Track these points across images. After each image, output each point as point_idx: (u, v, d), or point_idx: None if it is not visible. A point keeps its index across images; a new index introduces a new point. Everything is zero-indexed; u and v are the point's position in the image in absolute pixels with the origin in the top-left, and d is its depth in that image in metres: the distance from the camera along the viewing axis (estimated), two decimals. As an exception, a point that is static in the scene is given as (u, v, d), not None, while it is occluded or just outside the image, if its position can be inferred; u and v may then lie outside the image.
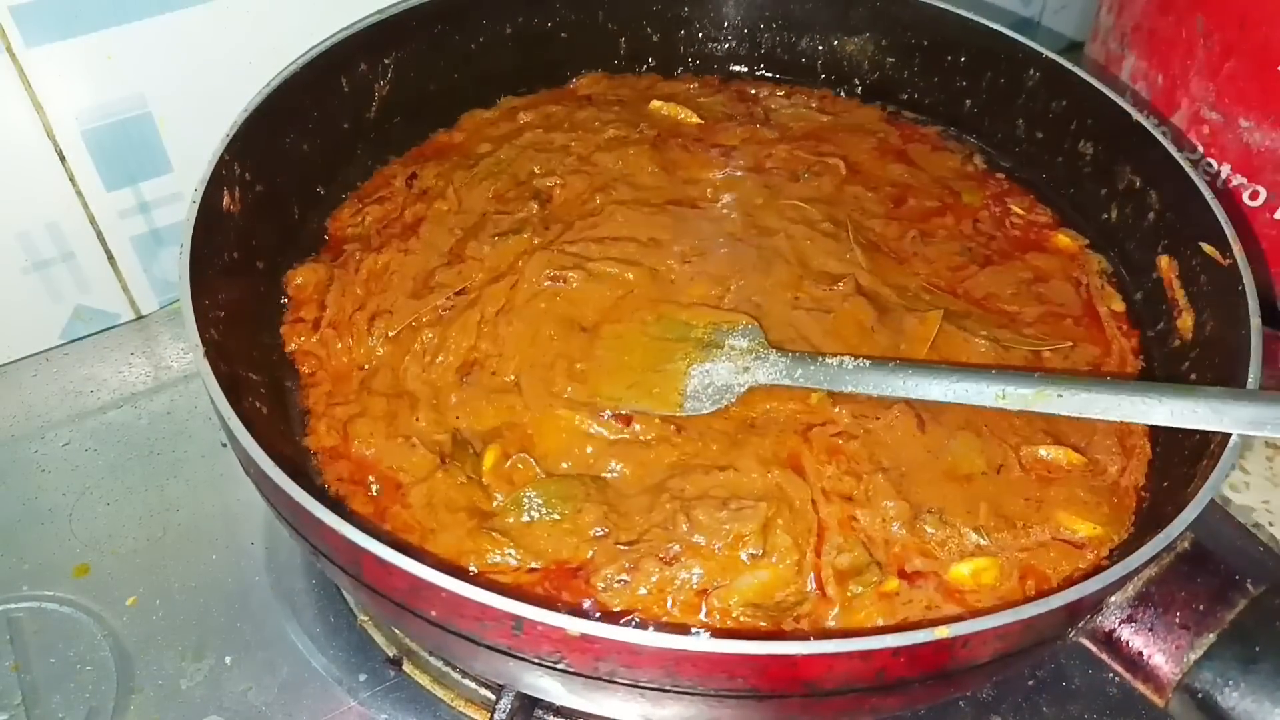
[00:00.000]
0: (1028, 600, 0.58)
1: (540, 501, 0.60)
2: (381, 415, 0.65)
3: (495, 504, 0.61)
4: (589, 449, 0.63)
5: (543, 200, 0.78)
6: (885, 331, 0.70)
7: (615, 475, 0.62)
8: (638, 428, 0.64)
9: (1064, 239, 0.81)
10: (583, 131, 0.85)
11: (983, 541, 0.60)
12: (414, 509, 0.61)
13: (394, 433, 0.64)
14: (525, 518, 0.60)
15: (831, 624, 0.57)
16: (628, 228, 0.76)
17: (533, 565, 0.58)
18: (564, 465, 0.63)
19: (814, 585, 0.58)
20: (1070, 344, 0.72)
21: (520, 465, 0.62)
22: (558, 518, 0.60)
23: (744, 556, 0.58)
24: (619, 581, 0.57)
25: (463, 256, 0.74)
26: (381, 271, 0.73)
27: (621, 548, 0.59)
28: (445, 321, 0.69)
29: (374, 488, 0.62)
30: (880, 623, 0.57)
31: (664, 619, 0.57)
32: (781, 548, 0.59)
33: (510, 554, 0.58)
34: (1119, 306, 0.76)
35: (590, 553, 0.58)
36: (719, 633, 0.56)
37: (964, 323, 0.71)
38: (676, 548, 0.58)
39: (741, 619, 0.57)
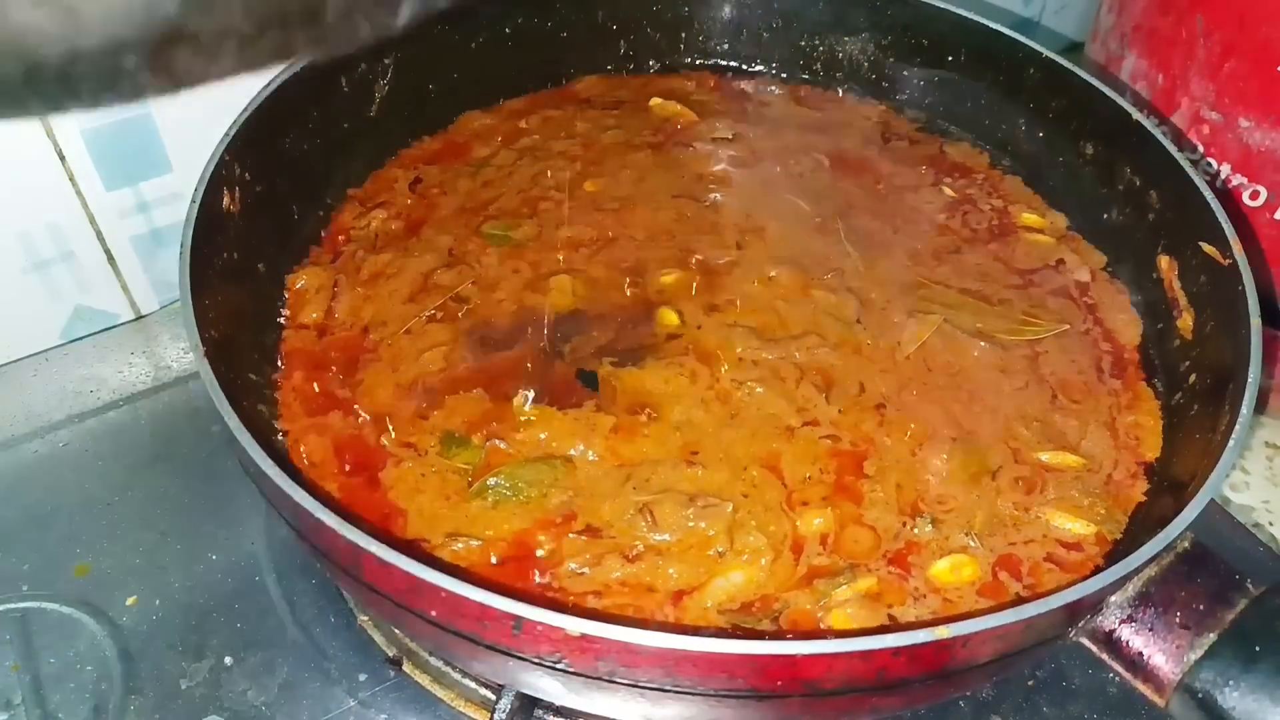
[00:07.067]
0: (1018, 597, 0.58)
1: (507, 485, 0.60)
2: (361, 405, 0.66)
3: (468, 488, 0.61)
4: (561, 437, 0.63)
5: (541, 205, 0.79)
6: (871, 326, 0.71)
7: (584, 460, 0.62)
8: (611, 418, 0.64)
9: (1031, 217, 0.82)
10: (582, 136, 0.86)
11: (973, 544, 0.60)
12: (383, 491, 0.61)
13: (370, 425, 0.65)
14: (491, 500, 0.60)
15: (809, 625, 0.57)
16: (619, 226, 0.77)
17: (493, 558, 0.58)
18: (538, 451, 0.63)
19: (788, 587, 0.58)
20: (1066, 326, 0.72)
21: (499, 448, 0.62)
22: (524, 500, 0.60)
23: (712, 554, 0.58)
24: (581, 573, 0.57)
25: (463, 259, 0.74)
26: (380, 274, 0.73)
27: (584, 539, 0.59)
28: (430, 332, 0.69)
29: (345, 467, 0.63)
30: (856, 624, 0.56)
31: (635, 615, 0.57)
32: (754, 548, 0.58)
33: (473, 541, 0.58)
34: (1085, 277, 0.77)
35: (550, 538, 0.59)
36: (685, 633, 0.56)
37: (959, 318, 0.71)
38: (640, 546, 0.58)
39: (717, 621, 0.56)
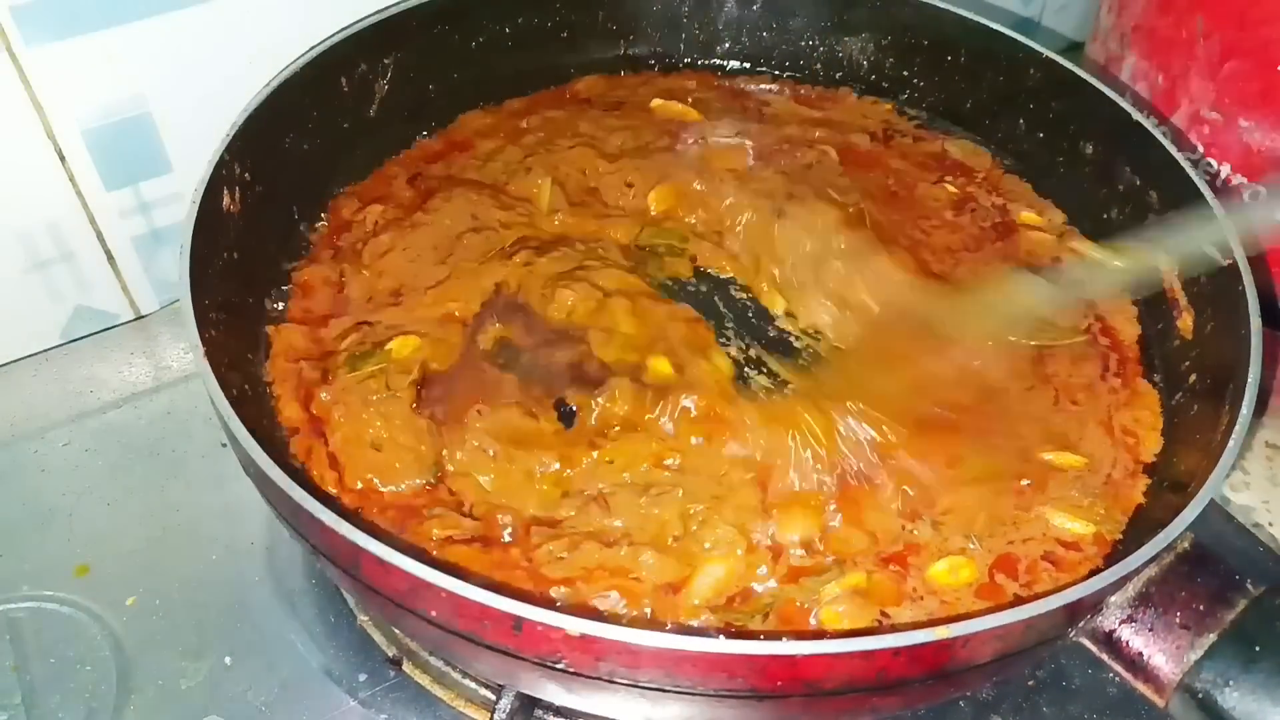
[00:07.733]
0: (1017, 597, 0.58)
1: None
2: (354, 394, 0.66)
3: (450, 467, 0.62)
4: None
5: (541, 204, 0.79)
6: None
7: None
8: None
9: (1030, 215, 0.82)
10: (582, 136, 0.85)
11: (973, 546, 0.60)
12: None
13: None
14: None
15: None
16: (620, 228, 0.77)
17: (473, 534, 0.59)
18: None
19: (774, 583, 0.58)
20: (1082, 337, 0.72)
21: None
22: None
23: (671, 542, 0.58)
24: (558, 558, 0.58)
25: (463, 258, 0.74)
26: (389, 250, 0.74)
27: (546, 529, 0.59)
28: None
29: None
30: (848, 622, 0.56)
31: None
32: (725, 540, 0.58)
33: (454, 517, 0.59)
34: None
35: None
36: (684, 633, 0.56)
37: None
38: (591, 527, 0.59)
39: (710, 620, 0.56)
